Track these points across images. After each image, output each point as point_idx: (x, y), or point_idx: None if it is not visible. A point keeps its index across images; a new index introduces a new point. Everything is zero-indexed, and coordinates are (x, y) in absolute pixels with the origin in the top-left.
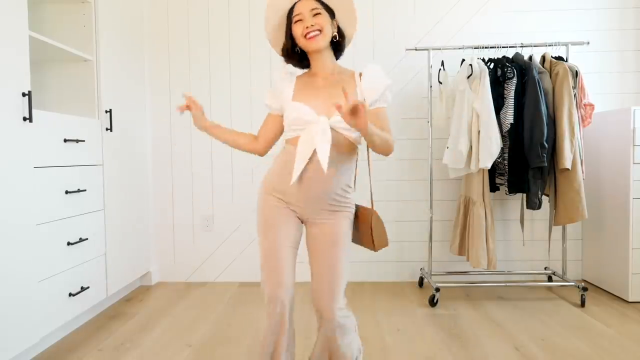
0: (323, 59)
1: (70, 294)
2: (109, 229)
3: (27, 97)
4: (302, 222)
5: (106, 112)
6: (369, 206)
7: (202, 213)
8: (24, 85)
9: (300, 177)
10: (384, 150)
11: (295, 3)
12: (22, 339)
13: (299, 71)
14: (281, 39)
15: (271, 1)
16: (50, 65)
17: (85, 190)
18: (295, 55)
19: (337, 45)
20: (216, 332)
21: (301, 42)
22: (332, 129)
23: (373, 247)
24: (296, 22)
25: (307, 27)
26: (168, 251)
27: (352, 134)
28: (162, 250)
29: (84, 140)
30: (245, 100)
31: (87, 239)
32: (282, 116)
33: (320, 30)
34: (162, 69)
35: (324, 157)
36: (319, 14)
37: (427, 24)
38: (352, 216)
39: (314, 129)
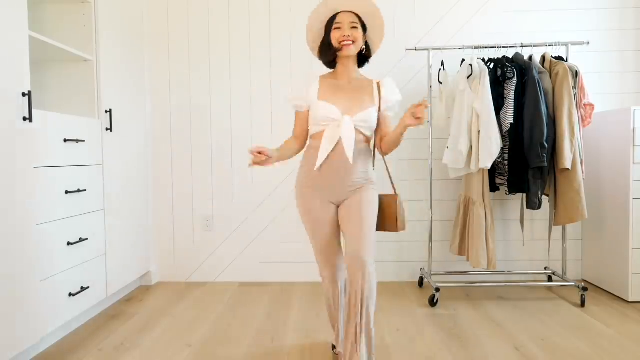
0: (350, 65)
1: (70, 294)
2: (109, 229)
3: (27, 97)
4: (336, 206)
5: (106, 112)
6: (391, 193)
7: (202, 213)
8: (24, 85)
9: (326, 167)
10: (393, 149)
11: (337, 13)
12: (22, 339)
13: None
14: (318, 42)
15: (316, 10)
16: (50, 65)
17: (85, 190)
18: (328, 53)
19: (363, 57)
20: (216, 332)
21: (336, 47)
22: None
23: (396, 227)
24: (335, 29)
25: (344, 36)
26: (168, 251)
27: (367, 132)
28: (162, 250)
29: (84, 140)
30: (245, 100)
31: (87, 239)
32: (309, 111)
33: (353, 42)
34: (162, 69)
35: (349, 148)
36: (356, 27)
37: (427, 24)
38: (376, 189)
39: (341, 126)
